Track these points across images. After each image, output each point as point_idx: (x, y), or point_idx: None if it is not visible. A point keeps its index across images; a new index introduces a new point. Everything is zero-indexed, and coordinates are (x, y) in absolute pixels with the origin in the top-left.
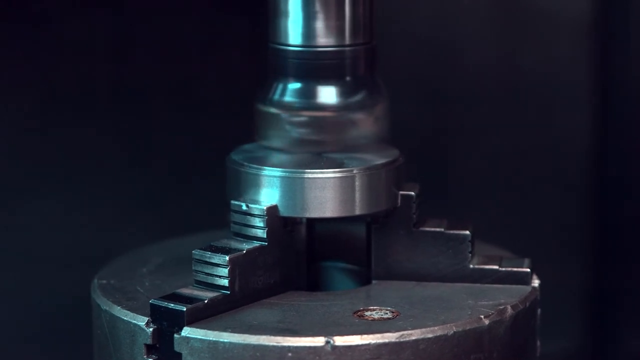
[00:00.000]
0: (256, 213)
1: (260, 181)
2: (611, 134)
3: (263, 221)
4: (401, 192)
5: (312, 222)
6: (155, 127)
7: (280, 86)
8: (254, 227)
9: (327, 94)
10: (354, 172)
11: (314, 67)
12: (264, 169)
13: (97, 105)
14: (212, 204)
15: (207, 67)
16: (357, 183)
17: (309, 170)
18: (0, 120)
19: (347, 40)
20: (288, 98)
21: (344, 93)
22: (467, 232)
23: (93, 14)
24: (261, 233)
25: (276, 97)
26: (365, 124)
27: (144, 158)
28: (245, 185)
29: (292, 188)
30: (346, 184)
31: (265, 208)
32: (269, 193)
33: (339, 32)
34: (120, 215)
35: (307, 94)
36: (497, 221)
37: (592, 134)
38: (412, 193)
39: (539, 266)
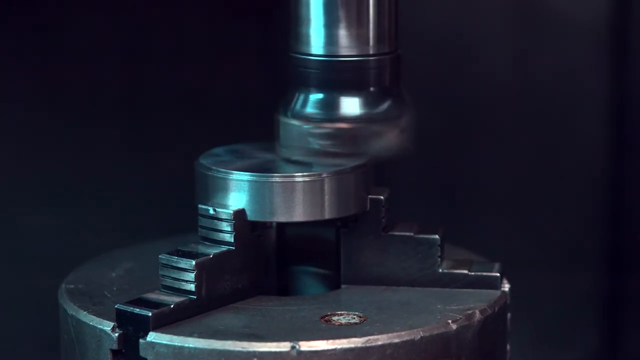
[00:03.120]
0: (223, 217)
1: (228, 185)
2: (626, 139)
3: (230, 225)
4: (370, 196)
5: (281, 226)
6: (164, 134)
7: (302, 97)
8: (221, 231)
9: (351, 106)
10: (323, 176)
11: (336, 77)
12: (232, 173)
13: (106, 111)
14: None
15: (218, 74)
16: (326, 187)
17: (277, 174)
18: (8, 126)
19: (371, 50)
20: (310, 109)
21: (368, 104)
22: (437, 237)
23: (103, 20)
24: (229, 237)
25: (298, 108)
26: (390, 136)
27: (152, 164)
28: (213, 189)
29: (260, 192)
30: (315, 188)
31: (232, 212)
32: (236, 197)
33: (363, 41)
34: (128, 220)
35: (330, 105)
36: (508, 227)
37: (606, 139)
38: (382, 197)
39: (552, 274)
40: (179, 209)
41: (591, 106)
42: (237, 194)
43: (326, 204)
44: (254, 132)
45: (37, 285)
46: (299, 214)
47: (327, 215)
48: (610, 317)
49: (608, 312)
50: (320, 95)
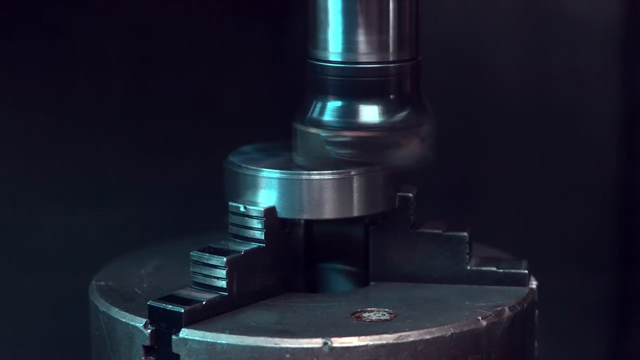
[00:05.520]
0: (254, 214)
1: (258, 182)
2: (638, 140)
3: (261, 223)
4: (399, 194)
5: (309, 223)
6: (174, 138)
7: (320, 104)
8: (252, 228)
9: (370, 113)
10: (352, 173)
11: (355, 84)
12: (262, 171)
13: (114, 116)
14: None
15: (228, 79)
16: (355, 184)
17: (306, 172)
18: (18, 131)
19: (391, 56)
20: (328, 117)
21: (387, 112)
22: (465, 234)
23: (111, 25)
24: (259, 235)
25: (315, 115)
26: (411, 145)
27: (161, 169)
28: (243, 187)
29: (290, 189)
30: (344, 185)
31: (263, 209)
32: (267, 194)
33: (383, 47)
34: (137, 222)
35: (348, 113)
36: (519, 228)
37: (618, 139)
38: (410, 194)
39: (563, 275)
40: (190, 210)
41: (603, 107)
42: (267, 191)
43: (355, 201)
44: (264, 138)
45: (57, 285)
46: (328, 211)
47: (356, 212)
48: (622, 317)
49: (619, 312)
50: (338, 103)
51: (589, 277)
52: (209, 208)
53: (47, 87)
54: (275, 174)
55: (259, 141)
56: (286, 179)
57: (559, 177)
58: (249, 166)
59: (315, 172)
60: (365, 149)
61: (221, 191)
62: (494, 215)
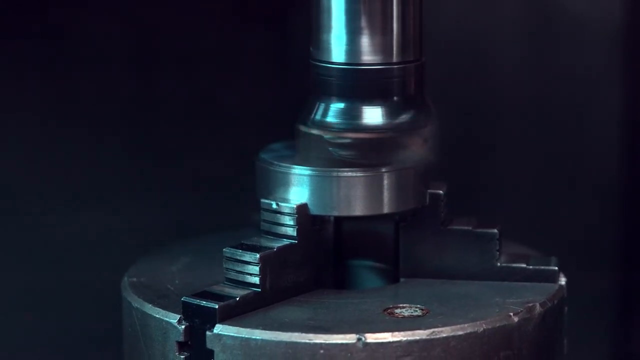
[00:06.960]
0: (286, 211)
1: (290, 180)
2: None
3: (293, 219)
4: (429, 191)
5: (339, 220)
6: (174, 140)
7: (323, 106)
8: (284, 225)
9: (373, 115)
10: (382, 170)
11: (359, 86)
12: (294, 168)
13: (116, 117)
14: (228, 216)
15: (229, 80)
16: (385, 182)
17: (338, 169)
18: (19, 131)
19: (395, 58)
20: (331, 119)
21: (391, 114)
22: (495, 231)
23: (112, 27)
24: (291, 231)
25: (318, 117)
26: (414, 147)
27: (162, 170)
28: (274, 184)
29: (322, 186)
30: (374, 182)
31: (295, 206)
32: (298, 191)
33: (386, 48)
34: (139, 223)
35: (352, 115)
36: (523, 228)
37: (621, 139)
38: (441, 192)
39: (566, 273)
40: (190, 210)
41: (606, 106)
42: (299, 188)
43: (385, 198)
44: (266, 139)
45: (58, 285)
46: (359, 208)
47: (387, 209)
48: (625, 317)
49: (622, 312)
50: (341, 104)
51: (592, 276)
52: (209, 207)
53: (48, 88)
54: (306, 171)
55: (261, 142)
56: (317, 176)
57: (561, 176)
58: (280, 163)
59: (346, 169)
60: (368, 151)
61: (221, 190)
62: (495, 215)
